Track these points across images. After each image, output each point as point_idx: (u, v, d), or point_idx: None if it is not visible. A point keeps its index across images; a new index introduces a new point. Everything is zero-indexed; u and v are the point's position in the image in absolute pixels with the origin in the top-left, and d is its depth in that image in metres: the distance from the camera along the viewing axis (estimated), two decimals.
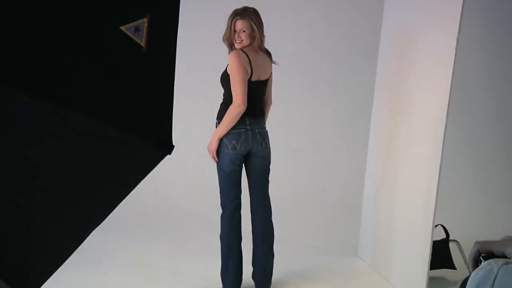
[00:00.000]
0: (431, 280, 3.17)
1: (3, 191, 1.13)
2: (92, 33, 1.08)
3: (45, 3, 1.02)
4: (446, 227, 3.53)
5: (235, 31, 3.04)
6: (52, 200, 1.19)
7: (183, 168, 4.96)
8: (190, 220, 4.74)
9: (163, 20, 1.16)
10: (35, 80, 1.02)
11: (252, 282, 3.35)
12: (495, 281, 0.74)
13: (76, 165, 1.18)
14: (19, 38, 0.99)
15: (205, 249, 3.91)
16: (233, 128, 3.03)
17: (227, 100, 3.05)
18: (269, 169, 3.26)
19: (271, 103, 3.29)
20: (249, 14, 3.02)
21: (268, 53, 3.17)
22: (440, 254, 3.39)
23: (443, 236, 3.50)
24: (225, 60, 3.07)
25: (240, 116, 3.00)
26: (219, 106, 3.15)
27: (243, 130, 3.06)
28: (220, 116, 3.08)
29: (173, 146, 1.23)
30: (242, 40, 3.03)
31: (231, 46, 3.11)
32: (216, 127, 3.10)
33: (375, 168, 3.83)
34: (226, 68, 3.06)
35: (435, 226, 3.12)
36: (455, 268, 3.43)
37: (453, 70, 2.87)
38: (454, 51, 2.86)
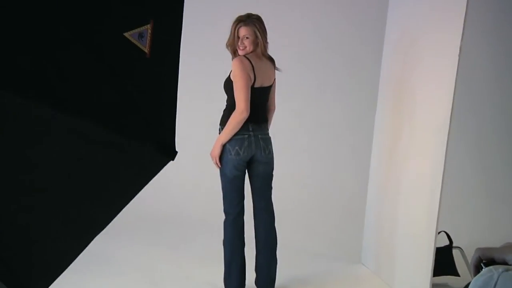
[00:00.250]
0: (434, 287, 3.15)
1: (4, 193, 1.14)
2: (96, 40, 1.09)
3: (50, 9, 1.02)
4: (450, 234, 3.52)
5: (238, 37, 3.06)
6: (54, 203, 1.20)
7: (186, 174, 4.96)
8: (193, 225, 4.74)
9: (166, 26, 1.17)
10: (38, 83, 1.03)
11: None
12: (495, 287, 0.74)
13: (79, 169, 1.18)
14: (22, 41, 1.00)
15: (208, 255, 3.91)
16: (236, 134, 3.03)
17: (230, 106, 3.06)
18: (272, 175, 3.27)
19: (274, 109, 3.30)
20: (253, 21, 3.04)
21: (271, 60, 3.18)
22: (444, 261, 3.37)
23: (447, 242, 3.49)
24: (229, 66, 3.08)
25: (243, 122, 3.01)
26: (222, 112, 3.16)
27: (246, 136, 3.07)
28: (223, 122, 3.09)
29: (176, 152, 1.23)
30: (246, 47, 3.04)
31: (234, 53, 3.12)
32: (219, 133, 3.11)
33: (378, 174, 3.83)
34: (230, 75, 3.07)
35: (439, 232, 3.11)
36: (458, 275, 3.42)
37: (457, 73, 2.86)
38: (458, 53, 2.84)
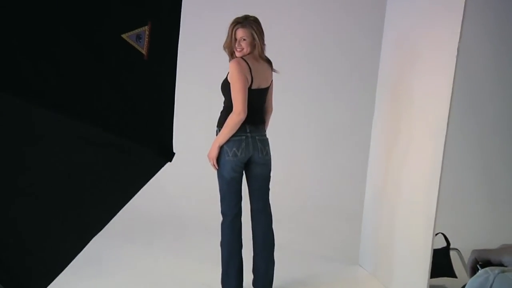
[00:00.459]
0: None
1: (2, 194, 1.14)
2: (94, 41, 1.09)
3: (48, 10, 1.02)
4: (447, 236, 3.53)
5: (235, 39, 3.06)
6: (52, 204, 1.20)
7: (184, 175, 4.96)
8: (190, 227, 4.74)
9: (164, 28, 1.17)
10: (36, 84, 1.03)
11: None
12: None
13: (77, 170, 1.18)
14: (20, 41, 1.00)
15: (206, 256, 3.91)
16: (233, 135, 3.03)
17: (228, 108, 3.06)
18: (269, 177, 3.27)
19: (271, 111, 3.30)
20: (250, 23, 3.04)
21: (268, 61, 3.18)
22: (441, 263, 3.37)
23: (444, 244, 3.49)
24: (226, 68, 3.08)
25: (240, 124, 3.01)
26: (219, 114, 3.16)
27: (243, 137, 3.07)
28: (221, 124, 3.09)
29: (174, 154, 1.24)
30: (243, 49, 3.05)
31: (231, 54, 3.13)
32: (217, 134, 3.11)
33: (376, 176, 3.83)
34: (227, 76, 3.08)
35: (436, 234, 3.11)
36: (455, 277, 3.42)
37: (455, 75, 2.87)
38: (456, 53, 2.85)
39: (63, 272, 1.25)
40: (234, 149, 3.05)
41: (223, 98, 3.14)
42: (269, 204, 3.30)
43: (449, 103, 2.91)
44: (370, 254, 3.86)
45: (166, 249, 4.25)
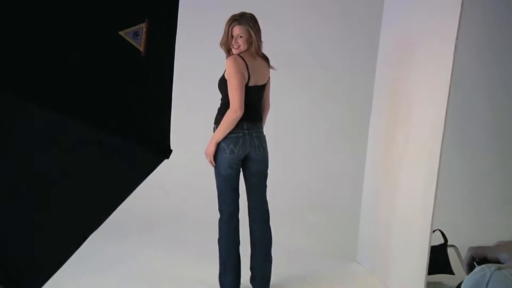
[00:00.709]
0: (429, 285, 3.17)
1: (1, 195, 1.14)
2: (90, 38, 1.08)
3: (43, 10, 1.02)
4: (444, 232, 3.54)
5: (232, 36, 3.05)
6: (48, 202, 1.19)
7: (180, 172, 4.95)
8: (188, 224, 4.74)
9: (161, 25, 1.17)
10: (33, 83, 1.02)
11: (250, 287, 3.35)
12: (488, 286, 0.75)
13: (73, 168, 1.18)
14: (17, 42, 1.00)
15: (203, 254, 3.91)
16: (230, 132, 3.03)
17: (225, 105, 3.06)
18: (267, 174, 3.27)
19: (268, 108, 3.30)
20: (247, 20, 3.03)
21: (265, 58, 3.18)
22: (438, 259, 3.39)
23: (441, 241, 3.50)
24: (223, 65, 3.08)
25: (237, 121, 3.01)
26: (216, 111, 3.16)
27: (240, 134, 3.07)
28: (218, 121, 3.09)
29: (171, 151, 1.23)
30: (240, 46, 3.04)
31: (228, 52, 3.12)
32: (214, 131, 3.11)
33: (373, 173, 3.84)
34: (224, 73, 3.07)
35: (433, 231, 3.12)
36: (453, 273, 3.43)
37: (451, 77, 2.88)
38: (452, 58, 2.86)
39: (58, 272, 1.25)
40: (231, 146, 3.05)
41: (220, 95, 3.14)
42: (267, 201, 3.30)
43: (446, 102, 2.92)
44: (367, 251, 3.87)
45: (163, 246, 4.25)
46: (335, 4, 5.48)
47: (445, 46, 2.92)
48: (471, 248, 0.93)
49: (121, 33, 1.09)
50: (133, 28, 1.10)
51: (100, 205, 1.26)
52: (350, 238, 4.14)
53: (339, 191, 5.23)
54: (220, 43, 3.12)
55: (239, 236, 3.25)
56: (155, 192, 4.52)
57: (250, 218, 3.28)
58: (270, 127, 3.40)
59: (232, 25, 3.04)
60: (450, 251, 3.49)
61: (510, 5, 5.31)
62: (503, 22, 5.32)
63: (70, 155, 1.16)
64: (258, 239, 3.27)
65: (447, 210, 4.33)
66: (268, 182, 3.29)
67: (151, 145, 1.20)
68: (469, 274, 0.79)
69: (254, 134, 3.12)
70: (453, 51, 2.86)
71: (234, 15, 3.06)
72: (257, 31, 3.06)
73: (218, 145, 3.07)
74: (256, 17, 3.09)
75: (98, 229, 1.25)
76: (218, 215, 3.22)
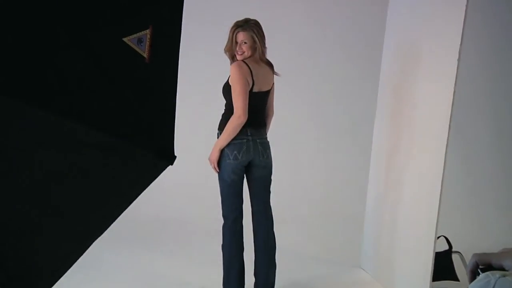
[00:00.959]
0: None
1: (3, 198, 1.14)
2: (95, 44, 1.09)
3: (48, 12, 1.02)
4: (449, 238, 3.52)
5: (236, 42, 3.06)
6: (52, 208, 1.19)
7: (185, 178, 4.95)
8: (192, 230, 4.74)
9: (166, 32, 1.17)
10: (35, 88, 1.03)
11: None
12: None
13: (78, 174, 1.18)
14: (20, 46, 1.00)
15: (207, 260, 3.90)
16: (234, 138, 3.04)
17: (229, 111, 3.07)
18: (270, 179, 3.27)
19: (272, 114, 3.30)
20: (251, 26, 3.04)
21: (270, 64, 3.18)
22: (443, 266, 3.37)
23: (446, 247, 3.48)
24: (227, 71, 3.09)
25: (241, 127, 3.01)
26: (220, 117, 3.16)
27: (244, 140, 3.07)
28: (222, 127, 3.09)
29: (175, 157, 1.23)
30: (244, 52, 3.05)
31: (232, 58, 3.13)
32: (218, 137, 3.11)
33: (377, 179, 3.83)
34: (228, 80, 3.08)
35: (438, 237, 3.11)
36: (458, 280, 3.41)
37: (456, 81, 2.88)
38: (457, 59, 2.86)
39: (62, 277, 1.25)
40: (235, 152, 3.05)
41: (224, 101, 3.14)
42: (270, 207, 3.29)
43: (451, 106, 2.91)
44: (372, 257, 3.86)
45: (167, 252, 4.25)
46: (339, 10, 5.49)
47: (449, 50, 2.92)
48: (475, 255, 0.92)
49: (125, 39, 1.09)
50: (137, 34, 1.10)
51: (103, 212, 1.26)
52: (354, 243, 4.13)
53: (343, 196, 5.21)
54: (224, 49, 3.13)
55: (243, 242, 3.25)
56: (159, 197, 4.51)
57: (253, 224, 3.27)
58: (274, 132, 3.40)
59: (236, 31, 3.05)
60: (454, 257, 3.47)
61: (510, 6, 5.30)
62: (506, 25, 5.30)
63: (73, 161, 1.16)
64: (262, 245, 3.27)
65: (452, 216, 4.32)
66: (272, 188, 3.29)
67: (155, 151, 1.20)
68: (474, 281, 0.79)
69: (258, 140, 3.12)
70: (457, 57, 2.86)
71: (238, 21, 3.07)
72: (261, 37, 3.07)
73: (222, 151, 3.07)
74: (260, 23, 3.10)
75: (102, 235, 1.25)
76: (222, 221, 3.22)
